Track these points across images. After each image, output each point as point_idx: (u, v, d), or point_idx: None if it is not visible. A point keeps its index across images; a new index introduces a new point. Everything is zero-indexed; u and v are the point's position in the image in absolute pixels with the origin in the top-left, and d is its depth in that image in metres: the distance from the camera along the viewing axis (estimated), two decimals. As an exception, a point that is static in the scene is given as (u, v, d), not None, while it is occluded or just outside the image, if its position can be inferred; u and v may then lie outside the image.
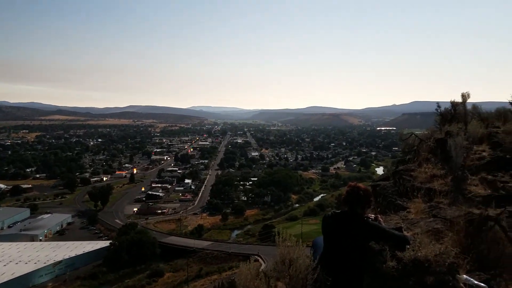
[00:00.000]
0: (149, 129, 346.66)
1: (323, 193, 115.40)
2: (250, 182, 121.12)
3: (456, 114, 6.04)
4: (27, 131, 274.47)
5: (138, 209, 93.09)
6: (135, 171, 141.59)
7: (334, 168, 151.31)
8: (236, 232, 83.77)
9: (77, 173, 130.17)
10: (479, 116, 6.01)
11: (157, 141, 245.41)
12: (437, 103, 6.57)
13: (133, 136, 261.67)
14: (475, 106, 6.38)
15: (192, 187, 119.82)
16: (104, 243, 64.88)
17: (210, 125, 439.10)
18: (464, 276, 2.82)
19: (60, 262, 57.39)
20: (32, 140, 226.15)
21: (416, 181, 4.79)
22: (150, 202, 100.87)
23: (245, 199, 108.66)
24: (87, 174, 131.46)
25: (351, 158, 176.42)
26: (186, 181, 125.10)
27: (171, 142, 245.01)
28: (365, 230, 3.20)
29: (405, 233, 3.41)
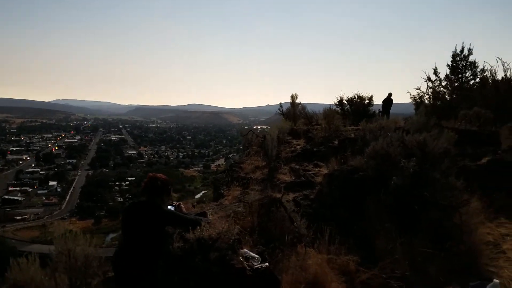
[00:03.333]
0: (3, 124, 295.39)
1: (205, 190, 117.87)
2: (127, 182, 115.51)
3: (290, 113, 8.37)
4: None
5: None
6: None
7: (215, 165, 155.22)
8: (111, 235, 79.46)
9: None
10: (306, 115, 8.38)
11: (14, 138, 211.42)
12: (280, 104, 9.01)
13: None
14: (303, 106, 8.78)
15: (58, 189, 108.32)
16: None
17: (79, 121, 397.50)
18: (244, 250, 3.34)
19: None
20: None
21: (242, 172, 6.12)
22: (7, 208, 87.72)
23: (121, 200, 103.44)
24: None
25: (231, 155, 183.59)
26: (51, 183, 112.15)
27: (30, 139, 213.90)
28: (160, 217, 3.44)
29: (209, 217, 3.95)
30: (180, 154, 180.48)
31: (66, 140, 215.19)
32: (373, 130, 5.93)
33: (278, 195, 4.34)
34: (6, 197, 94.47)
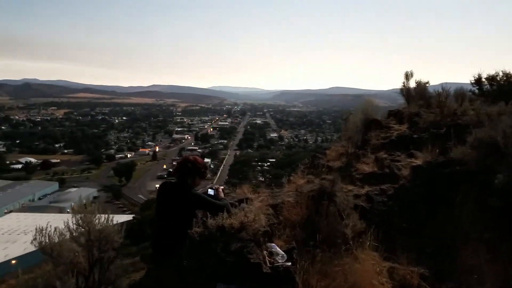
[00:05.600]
0: (171, 108, 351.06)
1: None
2: (268, 163, 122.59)
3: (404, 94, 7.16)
4: (55, 108, 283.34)
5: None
6: (157, 149, 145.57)
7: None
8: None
9: (103, 150, 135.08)
10: (421, 96, 7.01)
11: (179, 120, 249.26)
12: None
13: (155, 115, 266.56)
14: (423, 85, 7.33)
15: (211, 166, 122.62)
16: (128, 217, 68.53)
17: (230, 105, 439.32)
18: (272, 244, 3.18)
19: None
20: (61, 116, 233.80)
21: (325, 159, 5.51)
22: (172, 179, 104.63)
23: (263, 179, 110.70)
24: (112, 151, 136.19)
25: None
26: (206, 160, 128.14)
27: (191, 121, 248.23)
28: (187, 199, 3.47)
29: (243, 205, 3.75)
30: (319, 138, 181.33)
31: (219, 123, 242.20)
32: (491, 115, 4.58)
33: (331, 186, 3.78)
34: (171, 170, 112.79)
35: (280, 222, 3.67)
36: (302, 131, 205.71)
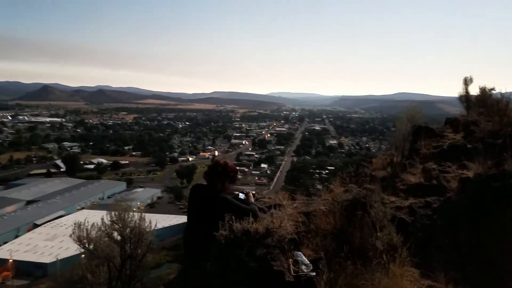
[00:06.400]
0: (230, 114, 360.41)
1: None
2: (327, 171, 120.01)
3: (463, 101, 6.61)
4: (126, 113, 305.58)
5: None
6: (216, 153, 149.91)
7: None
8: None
9: (167, 153, 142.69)
10: (484, 104, 6.40)
11: (237, 125, 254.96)
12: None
13: (216, 121, 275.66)
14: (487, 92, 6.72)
15: (268, 171, 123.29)
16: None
17: (288, 111, 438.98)
18: (298, 253, 3.13)
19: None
20: (130, 121, 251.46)
21: (370, 168, 5.32)
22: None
23: (320, 187, 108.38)
24: (175, 154, 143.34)
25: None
26: (263, 165, 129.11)
27: (249, 127, 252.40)
28: (217, 202, 3.52)
29: (273, 210, 3.75)
30: (383, 146, 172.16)
31: (277, 129, 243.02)
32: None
33: (365, 196, 3.60)
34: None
35: (311, 230, 3.60)
36: (364, 139, 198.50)
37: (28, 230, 62.01)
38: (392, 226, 3.46)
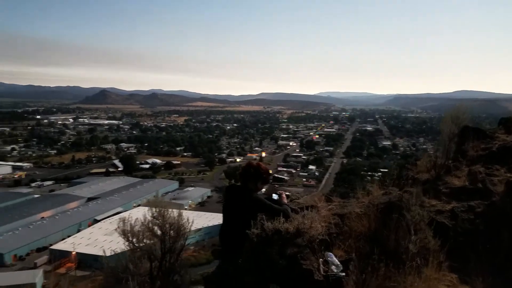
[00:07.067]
0: (277, 115, 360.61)
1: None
2: (379, 173, 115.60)
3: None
4: (177, 115, 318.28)
5: (265, 189, 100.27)
6: (263, 154, 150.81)
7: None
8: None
9: (216, 154, 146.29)
10: None
11: (284, 127, 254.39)
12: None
13: (263, 122, 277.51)
14: None
15: (316, 173, 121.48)
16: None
17: (337, 112, 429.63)
18: (329, 253, 3.16)
19: (200, 229, 66.46)
20: (181, 123, 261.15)
21: (413, 171, 5.15)
22: (276, 185, 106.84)
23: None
24: (224, 155, 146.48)
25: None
26: (310, 167, 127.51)
27: (297, 128, 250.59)
28: (249, 202, 3.65)
29: (306, 211, 3.69)
30: (441, 147, 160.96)
31: (326, 129, 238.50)
32: None
33: (401, 198, 3.52)
34: (276, 175, 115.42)
35: (344, 232, 3.63)
36: (421, 139, 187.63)
37: (89, 225, 66.70)
38: (429, 229, 3.40)
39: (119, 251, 4.82)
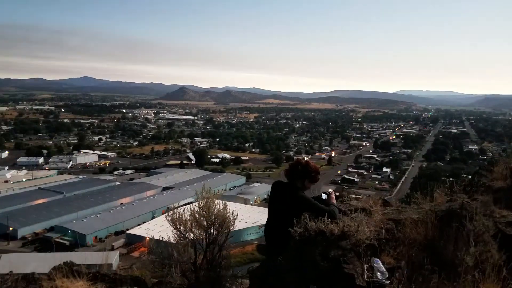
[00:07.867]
0: (351, 114, 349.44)
1: None
2: (451, 179, 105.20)
3: None
4: (248, 112, 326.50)
5: (333, 190, 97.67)
6: (333, 154, 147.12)
7: None
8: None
9: (284, 151, 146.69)
10: None
11: (357, 126, 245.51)
12: None
13: (334, 120, 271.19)
14: None
15: (391, 176, 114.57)
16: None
17: (419, 111, 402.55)
18: (376, 259, 3.03)
19: (263, 225, 67.20)
20: (251, 120, 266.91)
21: (489, 178, 4.74)
22: (345, 186, 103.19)
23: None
24: (291, 153, 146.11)
25: None
26: (384, 169, 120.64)
27: (371, 127, 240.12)
28: (294, 201, 3.62)
29: (356, 214, 3.64)
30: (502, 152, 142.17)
31: (404, 130, 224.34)
32: None
33: (461, 207, 2.75)
34: (346, 176, 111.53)
35: (397, 238, 3.34)
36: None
37: (163, 213, 70.97)
38: (494, 242, 3.09)
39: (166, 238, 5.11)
